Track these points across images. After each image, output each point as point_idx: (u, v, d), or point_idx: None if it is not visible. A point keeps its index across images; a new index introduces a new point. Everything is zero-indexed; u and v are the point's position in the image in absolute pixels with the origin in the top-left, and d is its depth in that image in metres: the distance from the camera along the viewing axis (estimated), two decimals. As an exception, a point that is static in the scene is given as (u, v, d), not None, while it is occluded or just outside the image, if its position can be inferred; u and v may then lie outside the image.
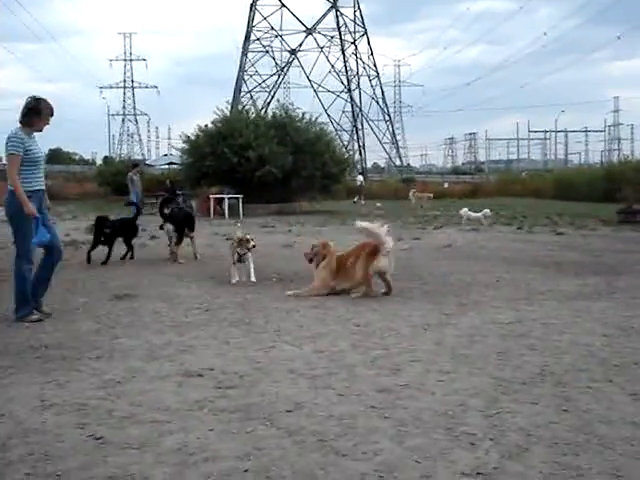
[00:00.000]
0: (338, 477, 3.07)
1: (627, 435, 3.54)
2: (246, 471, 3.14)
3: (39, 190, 6.61)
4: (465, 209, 19.06)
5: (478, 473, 3.10)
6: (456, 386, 4.39)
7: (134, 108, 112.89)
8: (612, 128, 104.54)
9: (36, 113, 6.53)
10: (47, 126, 6.74)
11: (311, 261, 8.41)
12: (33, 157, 6.50)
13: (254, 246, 9.02)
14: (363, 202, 33.78)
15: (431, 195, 33.27)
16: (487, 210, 18.66)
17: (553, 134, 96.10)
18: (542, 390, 4.30)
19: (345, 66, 75.65)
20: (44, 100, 6.63)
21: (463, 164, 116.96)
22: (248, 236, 9.13)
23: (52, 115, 6.70)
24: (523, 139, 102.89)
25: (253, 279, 8.90)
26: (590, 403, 4.04)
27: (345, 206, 30.17)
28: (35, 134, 6.59)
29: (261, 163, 24.99)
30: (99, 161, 79.53)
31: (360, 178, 38.33)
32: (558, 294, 7.81)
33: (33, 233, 6.43)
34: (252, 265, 9.06)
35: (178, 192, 25.07)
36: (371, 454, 3.32)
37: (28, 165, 6.46)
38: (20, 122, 6.54)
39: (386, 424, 3.73)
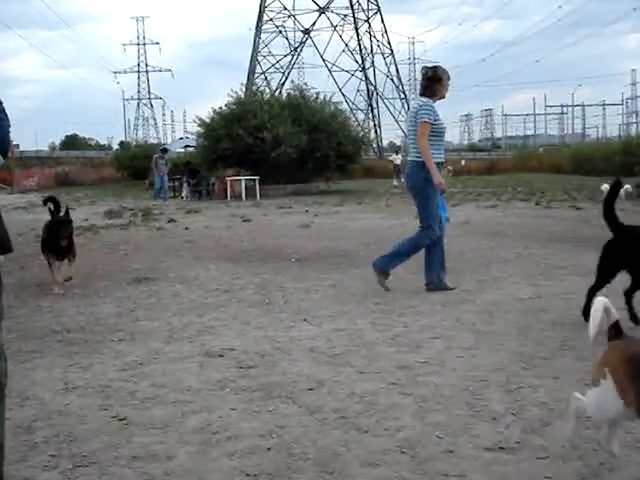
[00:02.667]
0: (360, 453, 3.08)
1: (650, 408, 3.52)
2: (269, 449, 3.16)
3: (441, 162, 6.63)
4: (605, 185, 18.44)
5: (500, 448, 3.10)
6: (477, 362, 4.39)
7: (149, 92, 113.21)
8: (630, 101, 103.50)
9: (437, 81, 6.55)
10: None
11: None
12: (439, 128, 6.55)
13: None
14: (397, 183, 29.99)
15: (451, 168, 32.86)
16: (628, 186, 17.65)
17: (570, 109, 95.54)
18: (563, 365, 4.29)
19: (359, 45, 75.22)
20: (439, 66, 6.70)
21: (480, 141, 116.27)
22: None
23: (449, 78, 6.69)
24: (540, 114, 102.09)
25: None
26: (612, 377, 4.02)
27: (361, 185, 30.09)
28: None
29: (276, 143, 24.94)
30: (115, 146, 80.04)
31: (395, 157, 34.49)
32: (578, 269, 7.75)
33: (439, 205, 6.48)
34: None
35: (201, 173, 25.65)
36: (393, 430, 3.34)
37: (434, 136, 6.46)
38: (422, 95, 6.58)
39: (407, 401, 3.74)
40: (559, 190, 22.16)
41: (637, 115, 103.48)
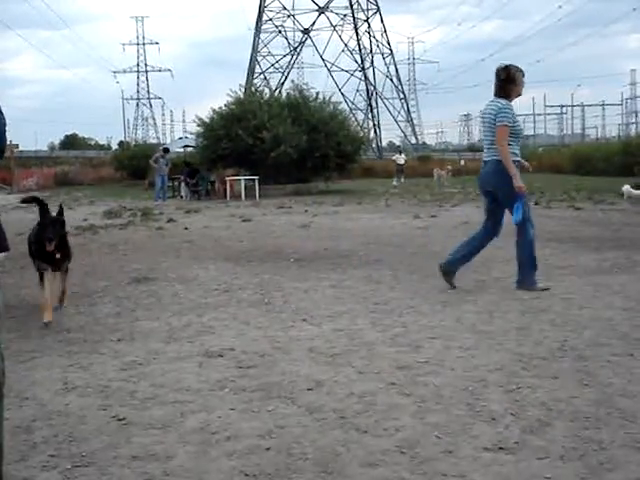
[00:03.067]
0: (360, 454, 3.08)
1: (649, 408, 3.53)
2: (268, 449, 3.16)
3: (518, 162, 6.65)
4: (627, 186, 18.26)
5: (500, 448, 3.10)
6: (476, 362, 4.39)
7: (148, 92, 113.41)
8: (629, 101, 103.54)
9: (511, 81, 6.51)
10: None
11: None
12: (517, 129, 6.58)
13: None
14: (396, 183, 30.62)
15: (450, 168, 32.72)
16: None
17: (570, 109, 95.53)
18: (563, 365, 4.29)
19: (358, 44, 75.29)
20: (512, 66, 6.58)
21: (479, 141, 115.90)
22: None
23: (524, 75, 6.65)
24: (539, 114, 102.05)
25: None
26: (611, 377, 4.03)
27: (361, 185, 30.08)
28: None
29: (276, 143, 24.94)
30: (114, 146, 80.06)
31: (399, 157, 34.15)
32: (577, 269, 7.76)
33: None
34: None
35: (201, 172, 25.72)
36: (392, 430, 3.33)
37: (512, 137, 6.49)
38: (497, 95, 6.54)
39: (407, 401, 3.73)
40: (558, 190, 22.14)
41: (637, 115, 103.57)
